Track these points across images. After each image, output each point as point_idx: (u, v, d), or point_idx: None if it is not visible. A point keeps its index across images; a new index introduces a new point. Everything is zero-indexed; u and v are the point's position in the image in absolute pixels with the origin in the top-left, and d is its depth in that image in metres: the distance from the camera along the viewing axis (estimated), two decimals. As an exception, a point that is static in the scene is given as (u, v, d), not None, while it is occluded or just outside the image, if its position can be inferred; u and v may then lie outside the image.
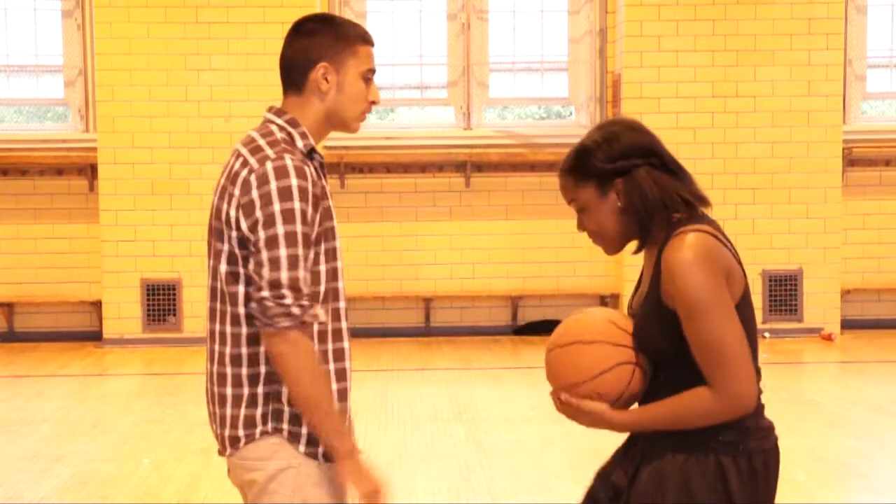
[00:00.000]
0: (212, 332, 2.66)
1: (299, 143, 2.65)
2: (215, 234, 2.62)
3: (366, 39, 2.73)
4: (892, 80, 11.01)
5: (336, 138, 10.12)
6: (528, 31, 10.85)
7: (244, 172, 2.55)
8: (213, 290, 2.66)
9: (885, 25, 10.93)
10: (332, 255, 2.65)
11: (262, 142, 2.61)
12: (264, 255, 2.48)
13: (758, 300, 10.20)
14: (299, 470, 2.60)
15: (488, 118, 10.87)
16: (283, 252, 2.48)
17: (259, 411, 2.60)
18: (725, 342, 2.46)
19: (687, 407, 2.51)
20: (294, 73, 2.69)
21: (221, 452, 2.71)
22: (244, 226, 2.52)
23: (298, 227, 2.50)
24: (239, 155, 2.61)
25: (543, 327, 10.46)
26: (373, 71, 2.73)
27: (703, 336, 2.47)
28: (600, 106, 10.60)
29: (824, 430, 6.90)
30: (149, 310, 10.05)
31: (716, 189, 10.14)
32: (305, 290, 2.51)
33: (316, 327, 2.60)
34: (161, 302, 10.04)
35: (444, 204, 10.57)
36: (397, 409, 7.55)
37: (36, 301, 10.31)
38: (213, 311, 2.66)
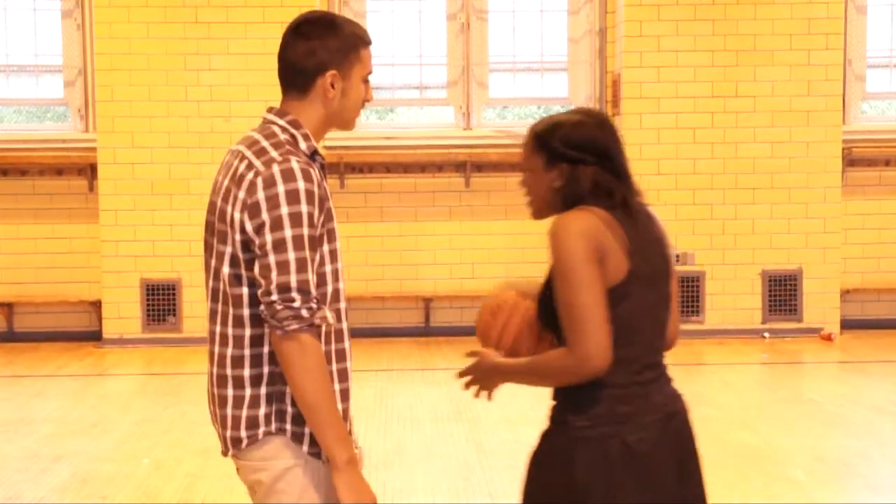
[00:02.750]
0: (212, 334, 2.66)
1: (302, 145, 2.65)
2: (218, 235, 2.61)
3: (367, 41, 2.75)
4: (892, 80, 11.01)
5: (335, 138, 10.12)
6: (527, 31, 10.85)
7: (250, 175, 2.54)
8: (214, 292, 2.66)
9: (884, 25, 10.93)
10: (333, 256, 2.65)
11: (265, 143, 2.60)
12: (272, 258, 2.48)
13: (757, 300, 10.22)
14: (305, 469, 2.60)
15: (488, 118, 10.88)
16: (291, 255, 2.49)
17: (262, 412, 2.60)
18: (580, 305, 2.60)
19: (545, 362, 2.69)
20: (299, 76, 2.68)
21: (224, 453, 2.71)
22: (249, 228, 2.52)
23: (305, 231, 2.51)
24: (242, 157, 2.60)
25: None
26: (371, 73, 2.76)
27: (563, 297, 2.62)
28: (600, 106, 10.60)
29: (824, 429, 6.90)
30: (148, 310, 10.06)
31: (715, 189, 10.16)
32: (314, 292, 2.52)
33: (323, 329, 2.60)
34: (161, 302, 10.04)
35: (443, 204, 10.58)
36: (397, 409, 7.55)
37: (36, 301, 10.31)
38: (214, 313, 2.65)
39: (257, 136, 2.64)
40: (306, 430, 2.60)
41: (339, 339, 2.68)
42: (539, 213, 2.85)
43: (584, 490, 2.66)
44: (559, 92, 10.93)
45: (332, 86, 2.67)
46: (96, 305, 10.23)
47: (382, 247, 10.46)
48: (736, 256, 10.22)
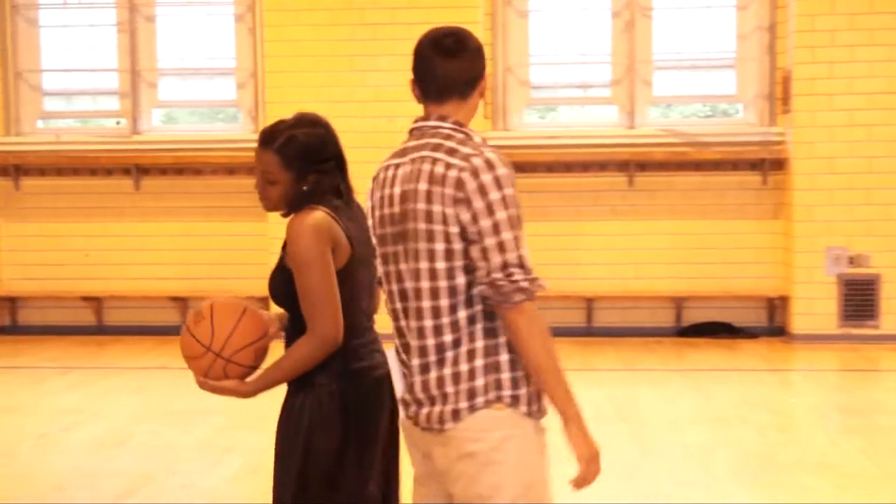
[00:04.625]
0: (420, 329, 2.84)
1: (477, 139, 2.88)
2: (420, 236, 2.80)
3: None
4: None
5: (496, 138, 10.12)
6: (694, 27, 10.65)
7: (453, 172, 2.77)
8: (415, 291, 2.83)
9: None
10: None
11: (451, 144, 2.84)
12: (490, 240, 2.74)
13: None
14: (524, 438, 2.82)
15: (652, 116, 10.72)
16: (507, 235, 2.74)
17: (479, 383, 2.80)
18: (319, 292, 3.07)
19: (292, 356, 3.12)
20: (465, 86, 2.95)
21: (437, 430, 2.84)
22: (465, 219, 2.75)
23: (513, 212, 2.77)
24: (433, 160, 2.81)
25: (709, 329, 10.26)
26: None
27: (304, 286, 3.08)
28: (769, 103, 10.33)
29: None
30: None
31: (892, 189, 9.75)
32: (529, 265, 2.79)
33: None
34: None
35: (606, 203, 10.47)
36: (559, 409, 7.50)
37: (207, 296, 10.61)
38: (419, 310, 2.83)
39: (436, 141, 2.85)
40: (522, 392, 2.82)
41: None
42: (274, 210, 3.26)
43: (335, 437, 3.14)
44: (726, 89, 10.70)
45: (484, 87, 3.01)
46: (267, 301, 10.48)
47: (544, 246, 10.39)
48: (914, 259, 9.80)
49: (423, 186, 2.79)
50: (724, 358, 9.42)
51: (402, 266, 2.85)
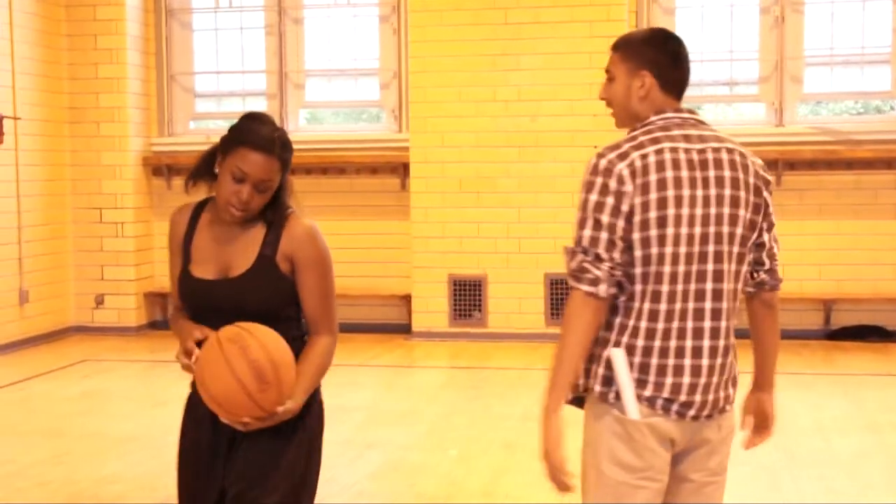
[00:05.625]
0: (718, 310, 2.92)
1: None
2: (744, 223, 2.91)
3: None
4: None
5: (642, 136, 10.00)
6: (846, 22, 10.32)
7: (758, 168, 2.96)
8: (731, 273, 2.93)
9: None
10: None
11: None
12: (775, 231, 3.06)
13: None
14: None
15: (801, 114, 10.43)
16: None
17: (736, 363, 3.06)
18: (333, 292, 3.36)
19: (320, 358, 3.29)
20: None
21: (720, 412, 3.04)
22: (769, 210, 2.98)
23: None
24: (741, 153, 2.94)
25: (860, 333, 9.94)
26: None
27: (324, 286, 3.31)
28: (926, 99, 9.94)
29: None
30: (455, 305, 10.32)
31: None
32: None
33: None
34: (467, 297, 10.28)
35: (753, 203, 10.21)
36: (701, 413, 7.37)
37: (352, 294, 10.78)
38: (728, 292, 2.93)
39: (726, 136, 2.97)
40: None
41: None
42: (247, 219, 3.23)
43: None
44: (881, 86, 10.34)
45: None
46: (406, 299, 10.60)
47: (688, 246, 10.24)
48: None
49: (741, 175, 2.90)
50: (876, 362, 9.11)
51: (718, 248, 2.87)
